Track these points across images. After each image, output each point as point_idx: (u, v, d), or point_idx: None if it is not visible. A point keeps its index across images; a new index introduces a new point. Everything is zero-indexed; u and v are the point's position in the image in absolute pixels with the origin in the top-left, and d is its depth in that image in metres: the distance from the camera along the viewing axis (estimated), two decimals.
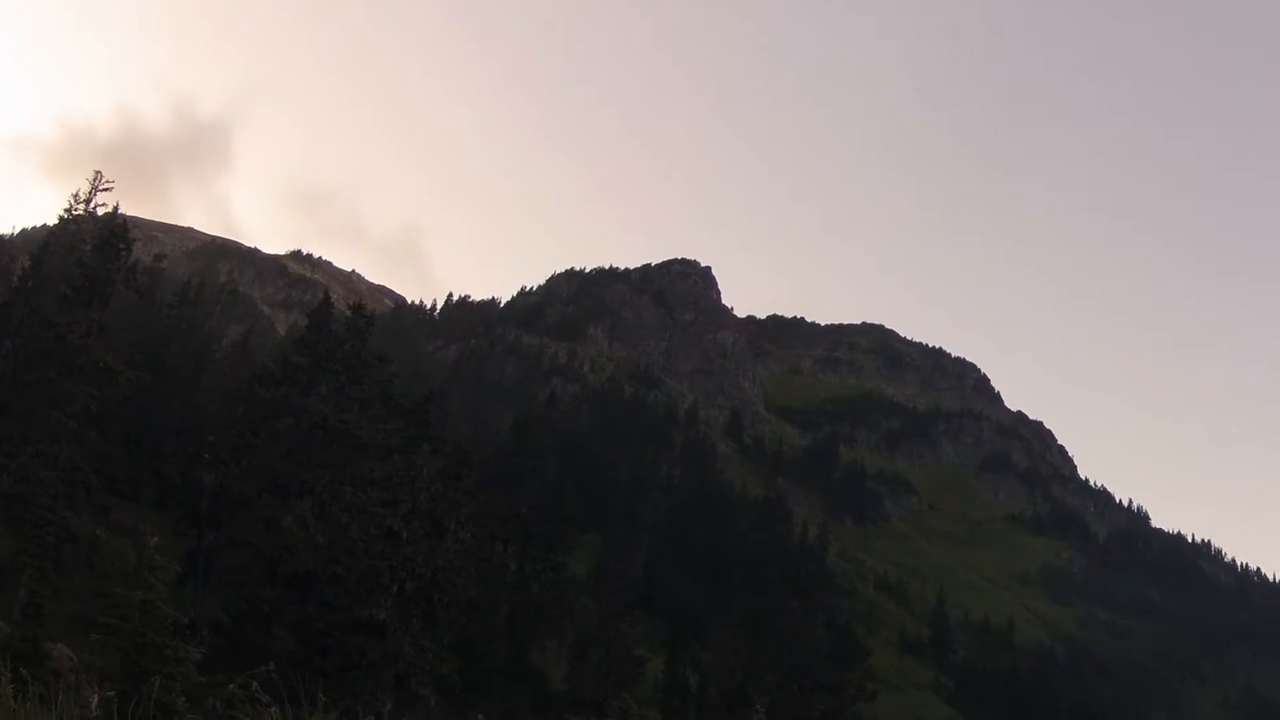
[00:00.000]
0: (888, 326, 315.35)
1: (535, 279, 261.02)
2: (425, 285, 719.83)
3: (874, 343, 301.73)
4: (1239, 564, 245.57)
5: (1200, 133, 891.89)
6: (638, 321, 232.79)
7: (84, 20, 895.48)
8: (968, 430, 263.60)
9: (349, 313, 53.53)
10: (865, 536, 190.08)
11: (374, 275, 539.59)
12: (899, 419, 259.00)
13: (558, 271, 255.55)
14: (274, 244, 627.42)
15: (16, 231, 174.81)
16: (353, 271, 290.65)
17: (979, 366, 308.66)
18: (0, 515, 37.80)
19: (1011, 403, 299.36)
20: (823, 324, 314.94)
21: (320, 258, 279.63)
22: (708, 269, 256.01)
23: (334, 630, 40.04)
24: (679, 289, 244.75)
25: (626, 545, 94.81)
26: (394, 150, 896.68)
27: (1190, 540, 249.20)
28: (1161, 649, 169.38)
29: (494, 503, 66.97)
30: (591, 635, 68.31)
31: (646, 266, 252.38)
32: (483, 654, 59.82)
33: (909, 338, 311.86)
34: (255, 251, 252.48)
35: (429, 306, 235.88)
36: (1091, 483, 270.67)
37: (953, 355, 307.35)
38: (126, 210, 61.62)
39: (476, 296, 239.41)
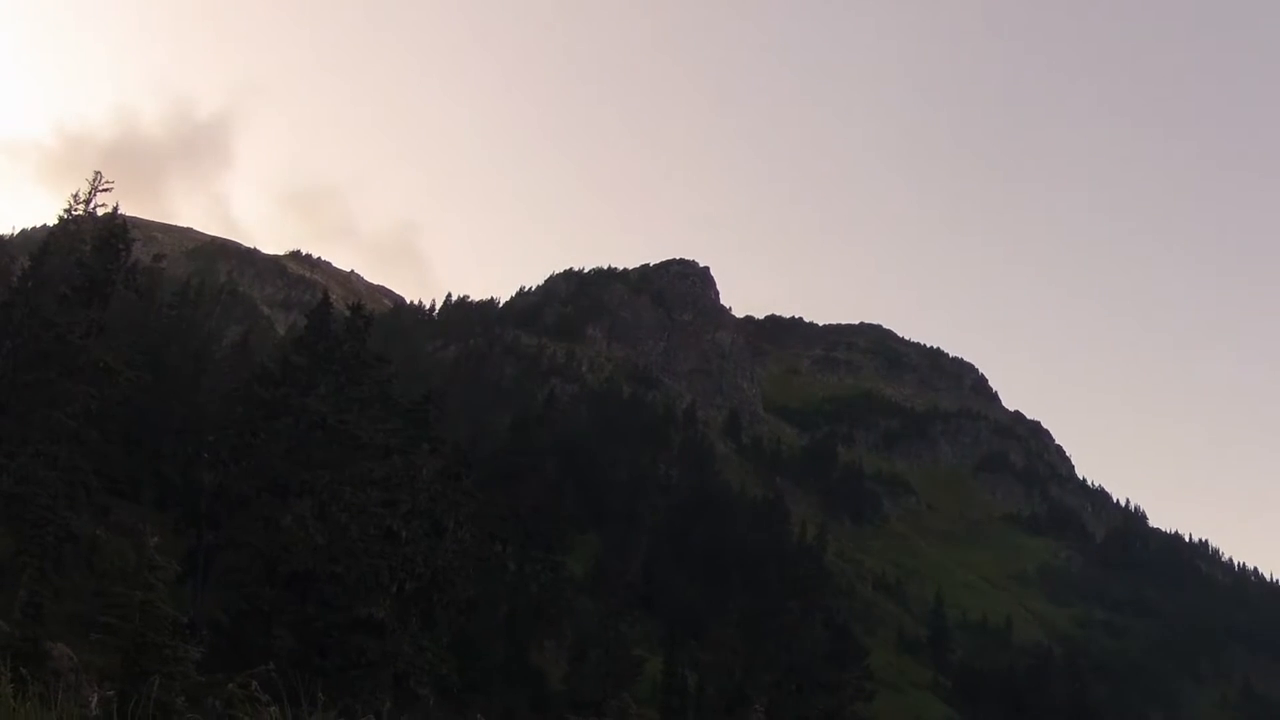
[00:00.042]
0: (886, 326, 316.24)
1: (534, 279, 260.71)
2: (424, 285, 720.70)
3: (872, 343, 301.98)
4: (1236, 564, 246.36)
5: (1200, 133, 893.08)
6: (636, 322, 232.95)
7: (82, 21, 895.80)
8: (965, 430, 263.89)
9: (348, 313, 53.63)
10: (863, 536, 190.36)
11: (373, 275, 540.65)
12: (897, 419, 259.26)
13: (556, 272, 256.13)
14: (273, 244, 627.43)
15: (16, 232, 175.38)
16: (352, 272, 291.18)
17: (977, 366, 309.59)
18: (0, 515, 37.88)
19: (1009, 403, 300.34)
20: (821, 324, 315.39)
21: (319, 258, 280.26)
22: (706, 269, 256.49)
23: (333, 630, 40.16)
24: (677, 289, 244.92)
25: (625, 545, 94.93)
26: (393, 150, 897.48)
27: (1188, 540, 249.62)
28: (1159, 648, 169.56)
29: (493, 503, 67.07)
30: (590, 635, 68.49)
31: (645, 267, 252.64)
32: (482, 654, 59.92)
33: (907, 338, 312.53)
34: (255, 252, 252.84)
35: (428, 307, 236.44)
36: (1089, 482, 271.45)
37: (950, 355, 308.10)
38: (126, 210, 61.63)
39: (475, 297, 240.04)
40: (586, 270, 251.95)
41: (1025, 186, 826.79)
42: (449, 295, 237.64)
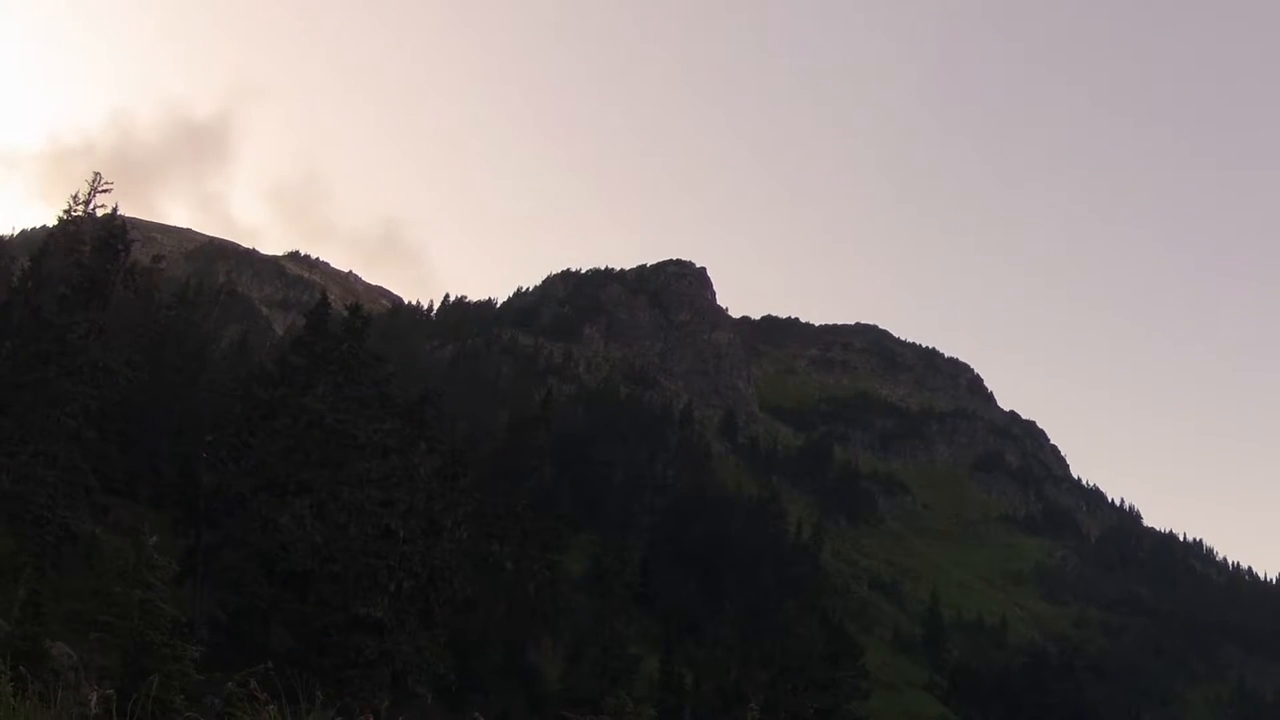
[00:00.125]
0: (881, 327, 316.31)
1: (531, 279, 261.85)
2: (422, 286, 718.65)
3: (868, 343, 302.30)
4: (1230, 563, 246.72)
5: (1196, 133, 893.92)
6: (633, 322, 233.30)
7: (81, 22, 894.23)
8: (961, 430, 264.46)
9: (346, 313, 53.95)
10: (859, 536, 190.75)
11: (371, 276, 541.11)
12: (893, 419, 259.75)
13: (554, 272, 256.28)
14: (272, 245, 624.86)
15: (16, 232, 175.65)
16: (350, 272, 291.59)
17: (972, 366, 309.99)
18: (0, 514, 38.11)
19: (1004, 403, 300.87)
20: (817, 324, 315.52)
21: (317, 258, 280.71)
22: (703, 270, 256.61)
23: (331, 628, 40.42)
24: (674, 289, 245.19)
25: (622, 544, 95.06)
26: (392, 151, 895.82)
27: (1182, 539, 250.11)
28: (1153, 647, 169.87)
29: (490, 502, 67.37)
30: (587, 634, 68.76)
31: (642, 267, 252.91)
32: (479, 652, 60.19)
33: (903, 338, 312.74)
34: (253, 252, 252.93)
35: (426, 307, 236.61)
36: (1084, 482, 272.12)
37: (946, 355, 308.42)
38: (125, 211, 61.57)
39: (473, 297, 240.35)
40: (584, 270, 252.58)
41: (1020, 187, 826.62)
42: (447, 295, 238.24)
